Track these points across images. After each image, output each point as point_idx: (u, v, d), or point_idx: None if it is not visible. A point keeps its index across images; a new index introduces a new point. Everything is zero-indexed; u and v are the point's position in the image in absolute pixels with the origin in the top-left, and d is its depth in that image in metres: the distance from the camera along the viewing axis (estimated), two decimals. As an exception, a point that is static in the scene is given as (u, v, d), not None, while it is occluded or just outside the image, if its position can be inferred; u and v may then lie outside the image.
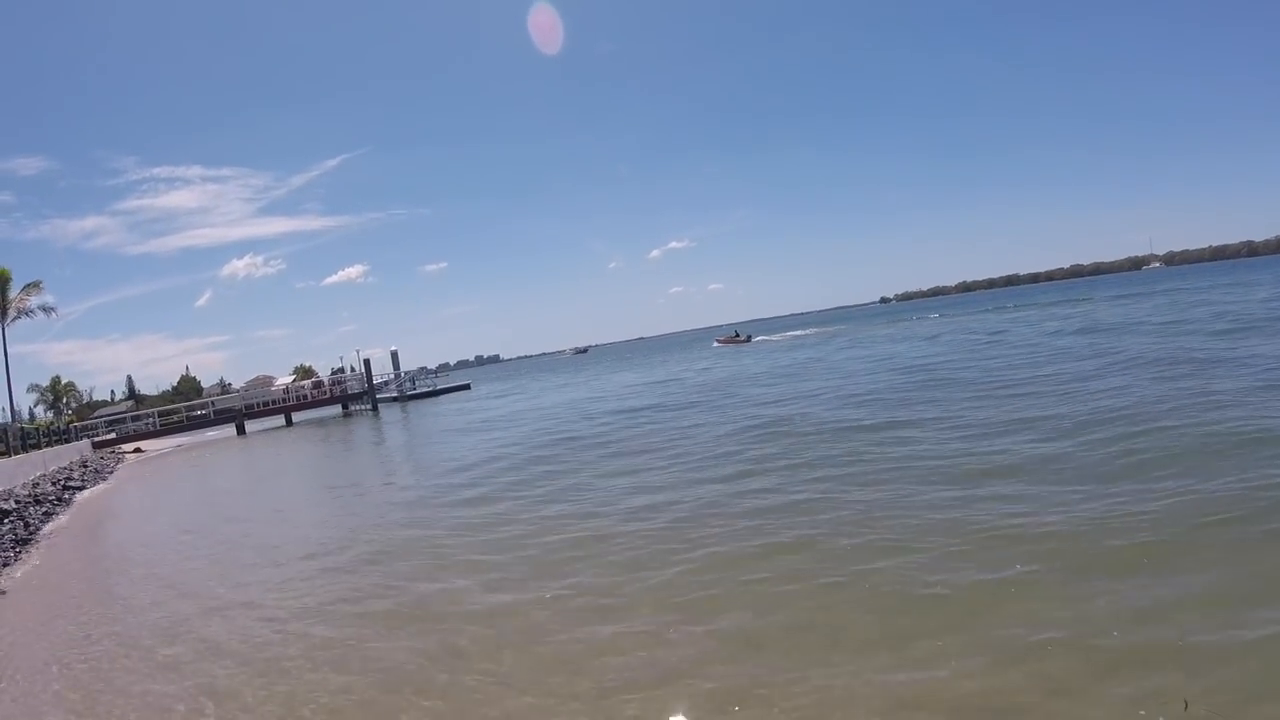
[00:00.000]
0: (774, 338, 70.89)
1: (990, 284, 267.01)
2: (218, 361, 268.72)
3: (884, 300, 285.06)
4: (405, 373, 59.54)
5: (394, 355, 59.27)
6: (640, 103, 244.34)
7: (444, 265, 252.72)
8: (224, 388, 76.45)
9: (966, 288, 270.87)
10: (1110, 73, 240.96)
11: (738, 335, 72.83)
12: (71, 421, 49.19)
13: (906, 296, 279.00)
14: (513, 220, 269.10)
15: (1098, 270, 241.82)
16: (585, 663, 5.56)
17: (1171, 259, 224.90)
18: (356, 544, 10.52)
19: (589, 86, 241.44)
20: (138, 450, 42.41)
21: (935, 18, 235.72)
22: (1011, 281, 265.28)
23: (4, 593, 10.56)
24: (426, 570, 8.69)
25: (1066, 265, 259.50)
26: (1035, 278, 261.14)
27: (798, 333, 76.65)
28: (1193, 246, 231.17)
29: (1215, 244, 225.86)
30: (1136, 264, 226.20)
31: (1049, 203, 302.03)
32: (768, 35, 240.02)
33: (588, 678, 5.30)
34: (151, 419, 49.73)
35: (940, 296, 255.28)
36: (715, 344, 73.21)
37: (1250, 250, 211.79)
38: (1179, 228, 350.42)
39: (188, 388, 79.62)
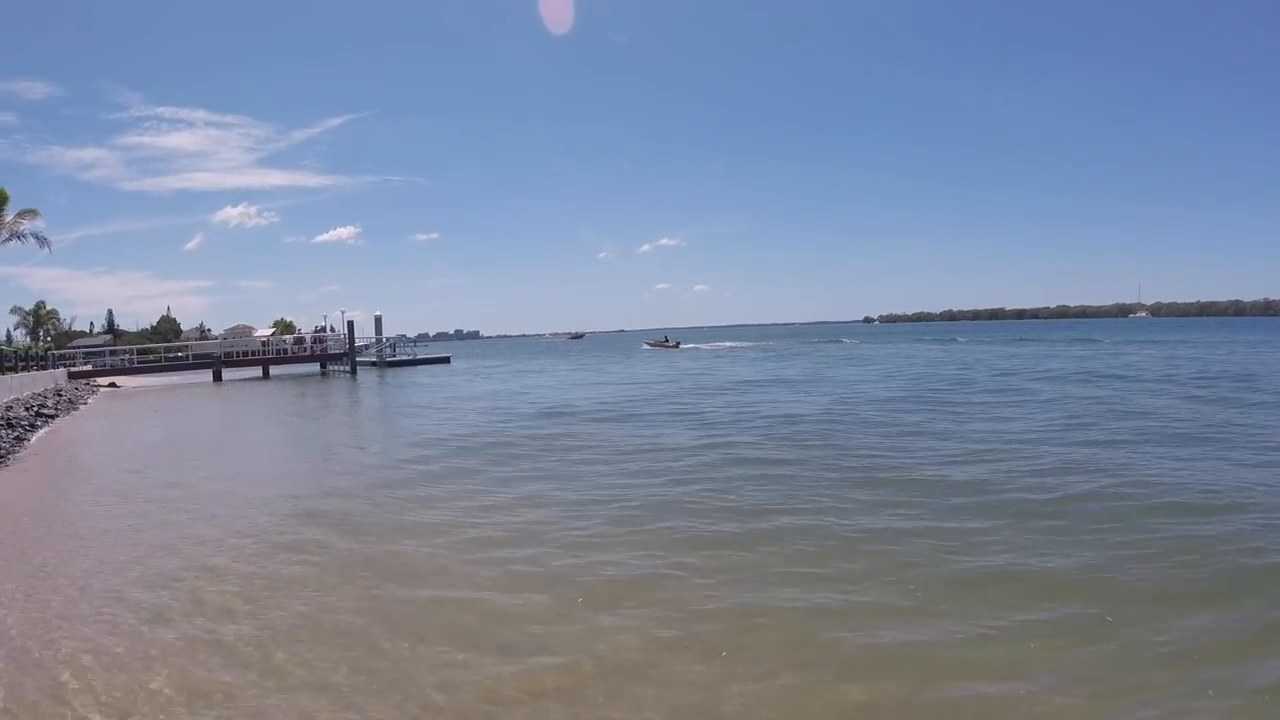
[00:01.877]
0: (704, 346, 76.20)
1: (975, 315, 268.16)
2: (199, 306, 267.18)
3: (868, 320, 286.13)
4: (387, 339, 59.56)
5: (378, 320, 59.22)
6: (646, 96, 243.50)
7: (435, 236, 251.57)
8: (203, 333, 76.43)
9: (951, 316, 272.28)
10: (1113, 117, 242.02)
11: (667, 340, 77.73)
12: (50, 349, 49.25)
13: (891, 319, 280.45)
14: (508, 199, 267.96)
15: (1084, 313, 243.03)
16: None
17: (1158, 310, 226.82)
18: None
19: (597, 74, 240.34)
20: (113, 385, 42.58)
21: (946, 44, 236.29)
22: (997, 315, 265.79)
23: None
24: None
25: (1053, 305, 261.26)
26: (1021, 314, 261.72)
27: (730, 344, 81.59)
28: (1180, 299, 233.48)
29: (1203, 299, 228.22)
30: (1124, 311, 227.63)
31: (1040, 240, 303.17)
32: (778, 44, 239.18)
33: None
34: (129, 355, 49.81)
35: (923, 322, 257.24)
36: (645, 347, 78.01)
37: (1237, 310, 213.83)
38: (1167, 280, 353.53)
39: (167, 329, 79.55)
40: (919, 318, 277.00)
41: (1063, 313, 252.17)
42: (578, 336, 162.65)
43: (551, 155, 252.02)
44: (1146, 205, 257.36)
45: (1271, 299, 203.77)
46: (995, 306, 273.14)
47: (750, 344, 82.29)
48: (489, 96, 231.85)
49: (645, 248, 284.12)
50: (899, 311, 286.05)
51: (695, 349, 71.92)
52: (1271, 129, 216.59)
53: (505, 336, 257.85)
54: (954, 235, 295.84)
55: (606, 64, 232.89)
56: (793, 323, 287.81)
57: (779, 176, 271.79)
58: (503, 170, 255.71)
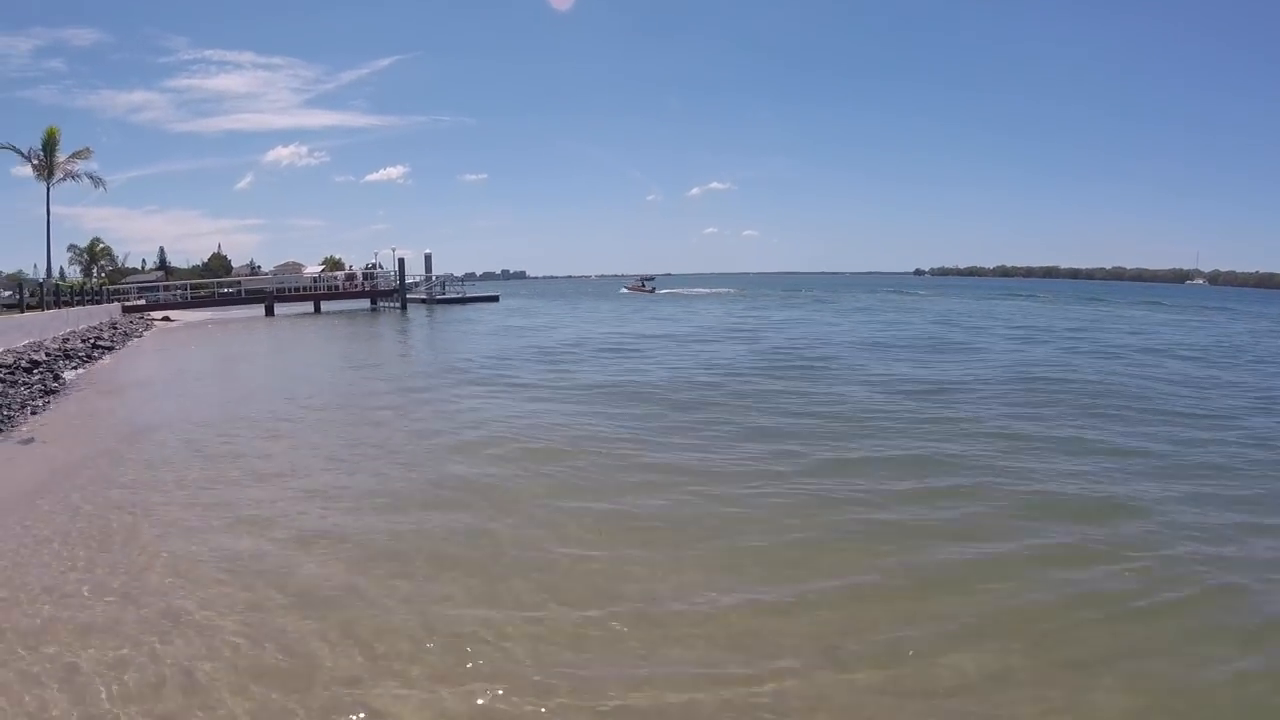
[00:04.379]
0: (681, 291, 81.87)
1: (1029, 272, 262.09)
2: (250, 243, 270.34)
3: (918, 272, 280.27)
4: (436, 277, 59.17)
5: (427, 258, 58.90)
6: (698, 36, 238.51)
7: (484, 177, 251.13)
8: (253, 269, 76.48)
9: (1005, 272, 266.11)
10: (1179, 77, 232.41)
11: (644, 285, 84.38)
12: (104, 284, 49.35)
13: (942, 271, 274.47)
14: (556, 140, 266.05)
15: (1139, 276, 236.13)
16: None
17: (1216, 278, 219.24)
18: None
19: (647, 15, 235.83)
20: (166, 319, 42.50)
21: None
22: (1051, 273, 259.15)
23: (32, 440, 10.38)
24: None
25: (1108, 266, 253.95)
26: (1075, 273, 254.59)
27: (705, 290, 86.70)
28: (1239, 269, 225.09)
29: (1263, 270, 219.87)
30: (1180, 277, 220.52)
31: (1096, 199, 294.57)
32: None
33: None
34: (183, 290, 49.79)
35: (976, 277, 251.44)
36: (623, 290, 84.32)
37: None
38: (1227, 248, 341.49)
39: (218, 265, 79.78)
40: (971, 272, 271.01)
41: (1118, 274, 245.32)
42: (649, 279, 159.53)
43: (599, 95, 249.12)
44: (1209, 170, 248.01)
45: None
46: (1049, 264, 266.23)
47: (731, 290, 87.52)
48: (537, 37, 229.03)
49: (694, 191, 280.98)
50: (950, 265, 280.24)
51: (673, 293, 76.55)
52: None
53: (552, 277, 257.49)
54: (1008, 189, 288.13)
55: (657, 4, 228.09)
56: (841, 272, 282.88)
57: (831, 121, 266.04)
58: (551, 111, 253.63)
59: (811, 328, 30.15)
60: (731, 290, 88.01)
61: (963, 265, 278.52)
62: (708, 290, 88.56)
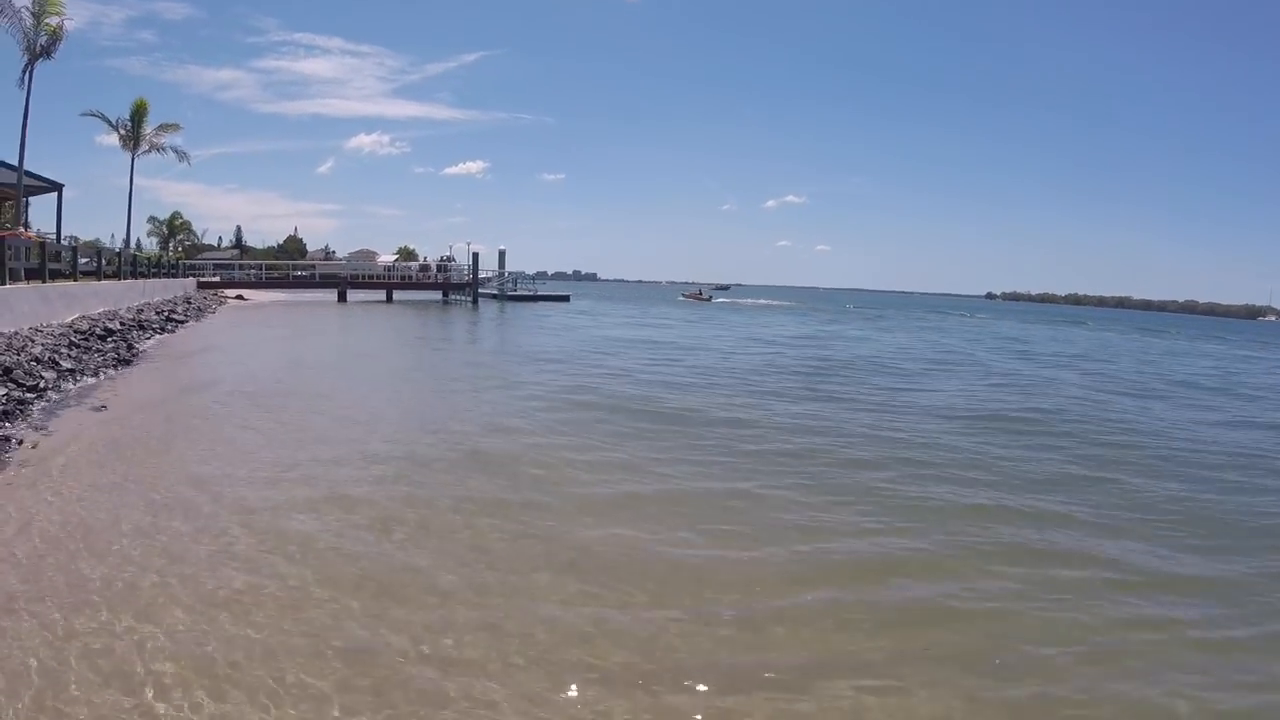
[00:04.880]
0: (740, 302, 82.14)
1: (1101, 301, 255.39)
2: (326, 228, 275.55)
3: (990, 296, 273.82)
4: (509, 273, 58.42)
5: (501, 254, 57.94)
6: (777, 50, 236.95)
7: (561, 177, 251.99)
8: (328, 254, 76.57)
9: (1076, 300, 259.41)
10: (1258, 114, 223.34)
11: (700, 294, 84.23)
12: (181, 258, 49.36)
13: (1014, 296, 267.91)
14: (634, 145, 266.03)
15: (1211, 311, 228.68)
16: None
17: None
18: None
19: (728, 21, 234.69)
20: (240, 297, 42.20)
21: (1100, 16, 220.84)
22: (1123, 304, 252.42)
23: (105, 407, 9.95)
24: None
25: (1181, 300, 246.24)
26: (1148, 304, 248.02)
27: (764, 301, 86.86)
28: None
29: None
30: (1252, 313, 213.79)
31: (1172, 232, 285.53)
32: (916, 2, 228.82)
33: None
34: (257, 270, 49.68)
35: (1048, 304, 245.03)
36: (681, 298, 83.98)
37: None
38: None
39: (293, 247, 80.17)
40: (1044, 299, 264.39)
41: (1190, 308, 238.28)
42: (724, 288, 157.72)
43: (679, 102, 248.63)
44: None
45: None
46: (1122, 295, 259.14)
47: (791, 303, 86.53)
48: (620, 42, 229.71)
49: (770, 203, 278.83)
50: (1023, 290, 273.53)
51: (732, 303, 76.03)
52: None
53: (622, 281, 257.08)
54: (1084, 218, 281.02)
55: (738, 15, 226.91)
56: (912, 292, 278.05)
57: (908, 140, 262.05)
58: (630, 116, 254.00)
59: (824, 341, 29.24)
60: (790, 303, 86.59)
61: (1035, 291, 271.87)
62: (766, 301, 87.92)
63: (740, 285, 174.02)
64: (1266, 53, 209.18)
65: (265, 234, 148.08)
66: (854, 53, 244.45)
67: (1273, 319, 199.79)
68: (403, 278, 53.06)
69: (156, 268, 34.73)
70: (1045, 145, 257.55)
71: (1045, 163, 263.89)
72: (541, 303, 54.93)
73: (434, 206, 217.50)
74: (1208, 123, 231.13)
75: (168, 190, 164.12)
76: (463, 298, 51.09)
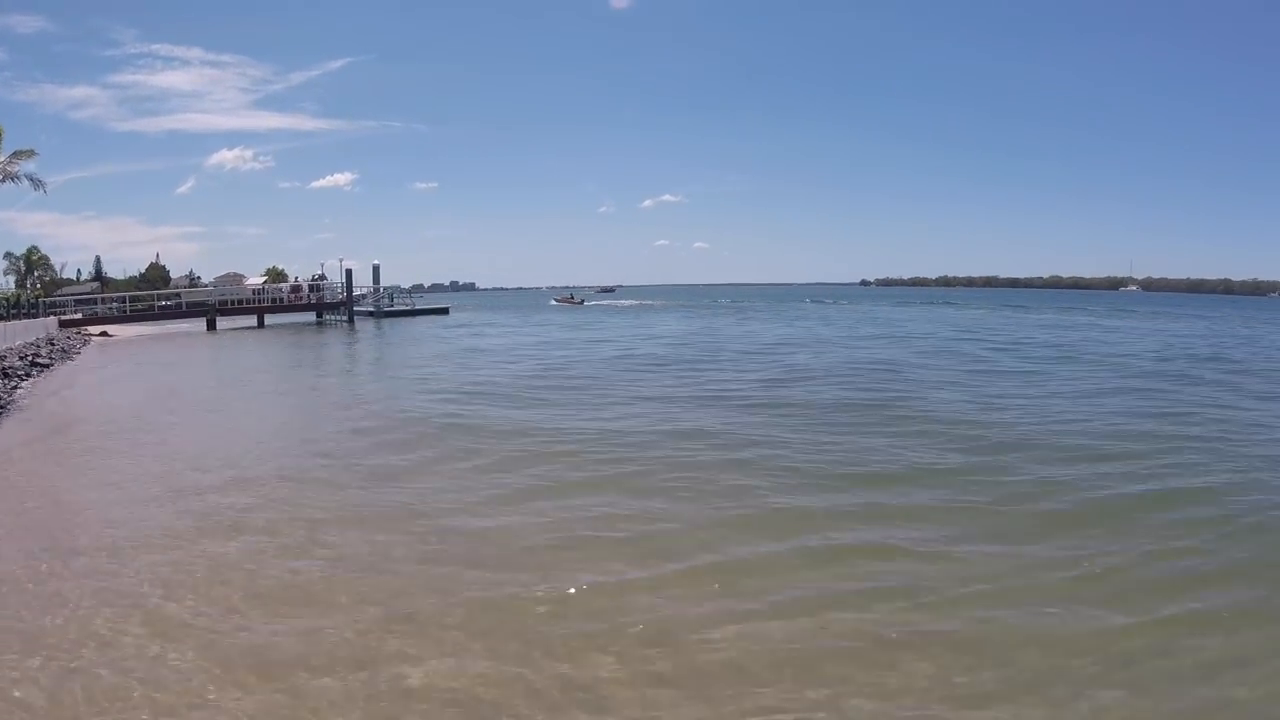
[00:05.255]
0: (604, 302, 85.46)
1: (970, 281, 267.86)
2: (189, 252, 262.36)
3: (865, 283, 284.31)
4: (384, 289, 58.45)
5: (375, 269, 57.57)
6: (651, 51, 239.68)
7: (434, 185, 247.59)
8: (192, 281, 74.68)
9: (947, 282, 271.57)
10: (1112, 89, 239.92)
11: (572, 297, 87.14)
12: (40, 296, 47.94)
13: (887, 282, 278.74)
14: (509, 150, 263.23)
15: (1076, 284, 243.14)
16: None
17: (1149, 284, 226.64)
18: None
19: (601, 27, 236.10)
20: (105, 334, 41.48)
21: (952, 7, 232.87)
22: (991, 283, 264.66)
23: None
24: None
25: (1046, 275, 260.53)
26: (1014, 282, 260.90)
27: (633, 302, 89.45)
28: (1171, 275, 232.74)
29: (1193, 277, 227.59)
30: (1114, 284, 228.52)
31: (1034, 210, 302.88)
32: (785, 3, 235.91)
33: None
34: (121, 303, 48.56)
35: (919, 287, 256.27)
36: (552, 303, 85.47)
37: (1226, 288, 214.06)
38: (1159, 256, 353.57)
39: (156, 276, 77.73)
40: (915, 282, 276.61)
41: (1056, 283, 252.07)
42: (609, 290, 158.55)
43: (555, 107, 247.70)
44: (1141, 180, 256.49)
45: (1261, 279, 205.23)
46: (989, 274, 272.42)
47: (661, 301, 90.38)
48: (492, 44, 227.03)
49: (647, 203, 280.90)
50: (895, 276, 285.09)
51: (598, 304, 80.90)
52: (1271, 109, 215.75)
53: (501, 289, 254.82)
54: (951, 201, 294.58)
55: (610, 17, 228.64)
56: (790, 283, 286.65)
57: (782, 137, 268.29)
58: (505, 120, 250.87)
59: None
60: (657, 301, 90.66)
61: (907, 276, 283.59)
62: (637, 301, 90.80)
63: (623, 286, 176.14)
64: (1118, 31, 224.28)
65: (126, 263, 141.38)
66: (729, 52, 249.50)
67: (1134, 289, 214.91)
68: (274, 300, 52.45)
69: (15, 308, 34.14)
70: (911, 133, 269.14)
71: (913, 150, 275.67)
72: (420, 317, 55.32)
73: (301, 223, 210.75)
74: (1065, 103, 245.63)
75: (21, 221, 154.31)
76: (338, 317, 51.00)
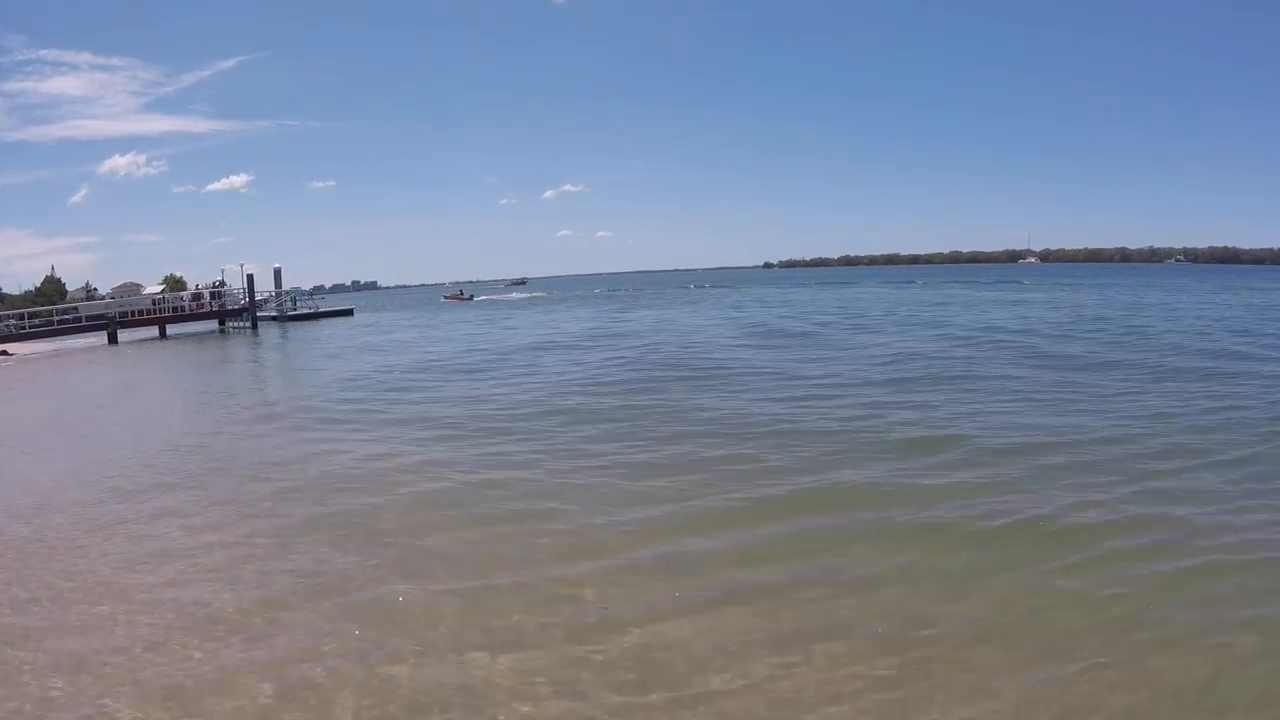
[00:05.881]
0: (495, 297, 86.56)
1: (872, 260, 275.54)
2: (84, 264, 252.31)
3: (767, 265, 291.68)
4: (285, 292, 58.92)
5: (277, 273, 58.08)
6: (550, 39, 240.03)
7: (331, 184, 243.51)
8: (89, 293, 73.57)
9: (849, 261, 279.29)
10: (1003, 66, 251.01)
11: (462, 293, 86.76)
12: (-69, 317, 47.26)
13: (790, 264, 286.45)
14: (408, 144, 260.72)
15: (975, 259, 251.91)
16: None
17: (1047, 256, 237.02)
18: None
19: (499, 17, 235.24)
20: (4, 354, 41.46)
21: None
22: (892, 261, 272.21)
23: None
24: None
25: (946, 250, 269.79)
26: (915, 259, 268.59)
27: (517, 295, 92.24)
28: (1068, 246, 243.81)
29: (1091, 246, 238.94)
30: (1013, 257, 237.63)
31: (934, 187, 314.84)
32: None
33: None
34: (18, 319, 48.09)
35: (821, 267, 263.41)
36: (443, 299, 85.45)
37: (1124, 256, 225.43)
38: (1055, 227, 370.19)
39: (52, 290, 76.15)
40: (818, 263, 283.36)
41: (955, 258, 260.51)
42: (520, 283, 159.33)
43: (455, 99, 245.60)
44: (1036, 154, 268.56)
45: (1156, 246, 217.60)
46: (891, 252, 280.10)
47: (542, 294, 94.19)
48: (389, 37, 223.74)
49: (549, 194, 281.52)
50: (798, 257, 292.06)
51: (489, 299, 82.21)
52: (1155, 82, 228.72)
53: (404, 287, 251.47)
54: (852, 183, 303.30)
55: (509, 7, 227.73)
56: (694, 269, 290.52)
57: (683, 123, 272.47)
58: (402, 115, 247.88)
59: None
60: (543, 293, 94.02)
61: (809, 257, 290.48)
62: (522, 295, 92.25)
63: (532, 278, 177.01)
64: (1005, 9, 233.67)
65: (20, 278, 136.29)
66: (627, 41, 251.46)
67: (1033, 260, 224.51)
68: (175, 310, 52.51)
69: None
70: (814, 117, 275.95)
71: (815, 133, 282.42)
72: (324, 320, 56.17)
73: (198, 228, 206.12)
74: (960, 84, 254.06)
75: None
76: (241, 324, 51.20)
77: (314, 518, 8.53)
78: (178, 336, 47.59)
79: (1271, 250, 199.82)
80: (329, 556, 7.31)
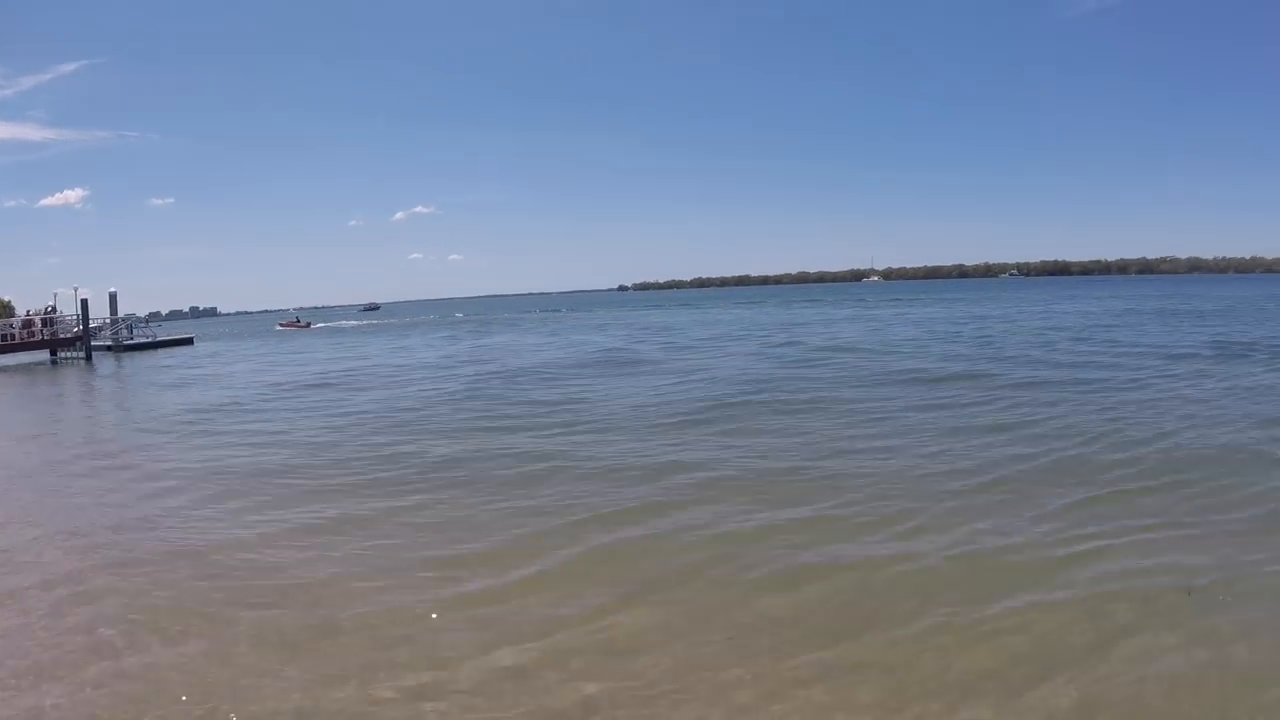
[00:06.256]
0: (335, 324, 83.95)
1: (724, 282, 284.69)
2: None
3: (622, 288, 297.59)
4: (121, 319, 56.45)
5: (112, 297, 55.26)
6: (401, 58, 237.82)
7: (171, 201, 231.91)
8: (-104, 314, 68.30)
9: (702, 283, 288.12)
10: (851, 90, 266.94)
11: (298, 321, 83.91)
12: None
13: (644, 286, 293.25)
14: (254, 160, 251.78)
15: (822, 279, 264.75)
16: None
17: (890, 274, 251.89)
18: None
19: (354, 31, 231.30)
20: None
21: (698, 23, 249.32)
22: (744, 281, 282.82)
23: None
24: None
25: (794, 271, 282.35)
26: (765, 279, 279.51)
27: (355, 322, 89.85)
28: (909, 264, 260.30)
29: (930, 264, 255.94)
30: (858, 276, 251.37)
31: (783, 208, 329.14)
32: (542, 16, 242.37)
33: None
34: None
35: (675, 289, 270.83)
36: (278, 327, 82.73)
37: (961, 272, 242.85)
38: (897, 245, 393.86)
39: None
40: (671, 285, 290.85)
41: (803, 278, 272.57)
42: (373, 308, 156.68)
43: (302, 114, 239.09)
44: (877, 171, 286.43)
45: (991, 262, 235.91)
46: (742, 274, 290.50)
47: (389, 321, 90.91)
48: (236, 49, 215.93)
49: (399, 215, 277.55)
50: (652, 280, 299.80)
51: (327, 326, 79.81)
52: (990, 100, 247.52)
53: (247, 313, 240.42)
54: (705, 205, 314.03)
55: (363, 21, 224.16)
56: (549, 292, 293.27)
57: (538, 146, 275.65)
58: (249, 130, 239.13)
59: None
60: (375, 321, 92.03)
61: (663, 279, 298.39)
62: (358, 322, 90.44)
63: (374, 305, 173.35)
64: (852, 34, 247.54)
65: None
66: (481, 62, 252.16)
67: (876, 279, 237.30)
68: (4, 338, 49.67)
69: None
70: (667, 142, 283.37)
71: (668, 158, 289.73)
72: (163, 349, 54.90)
73: (27, 247, 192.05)
74: (807, 104, 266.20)
75: None
76: (75, 354, 49.17)
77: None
78: (5, 368, 44.38)
79: (1099, 262, 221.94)
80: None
